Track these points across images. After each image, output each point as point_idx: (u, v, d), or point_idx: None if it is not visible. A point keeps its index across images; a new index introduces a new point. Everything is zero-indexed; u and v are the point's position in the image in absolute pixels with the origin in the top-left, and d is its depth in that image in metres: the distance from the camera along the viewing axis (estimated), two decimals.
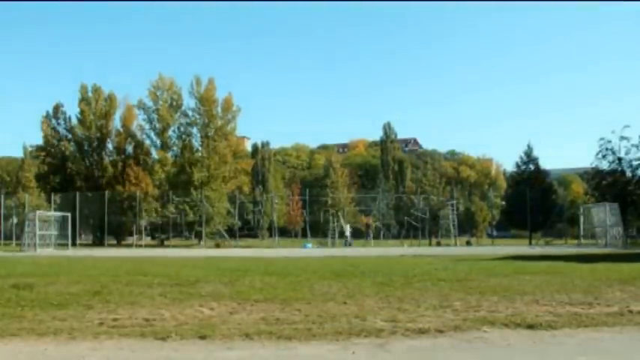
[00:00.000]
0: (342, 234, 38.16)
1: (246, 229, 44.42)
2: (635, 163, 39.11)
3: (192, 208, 42.34)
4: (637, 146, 38.51)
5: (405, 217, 43.73)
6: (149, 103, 47.16)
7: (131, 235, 43.80)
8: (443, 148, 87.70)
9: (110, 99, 49.69)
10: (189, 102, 47.85)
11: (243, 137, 75.95)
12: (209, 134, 46.89)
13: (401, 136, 77.35)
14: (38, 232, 33.22)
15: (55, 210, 39.90)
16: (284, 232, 47.77)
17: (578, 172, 72.12)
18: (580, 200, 47.82)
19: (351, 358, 4.53)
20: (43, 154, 49.74)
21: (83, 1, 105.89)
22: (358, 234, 46.40)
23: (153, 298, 7.84)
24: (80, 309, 6.81)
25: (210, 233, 42.53)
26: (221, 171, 45.84)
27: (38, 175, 49.82)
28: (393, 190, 54.37)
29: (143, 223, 40.59)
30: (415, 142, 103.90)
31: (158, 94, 47.18)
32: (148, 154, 48.81)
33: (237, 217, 41.67)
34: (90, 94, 49.02)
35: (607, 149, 39.55)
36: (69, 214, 39.03)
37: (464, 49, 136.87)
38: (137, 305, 7.10)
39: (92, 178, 47.27)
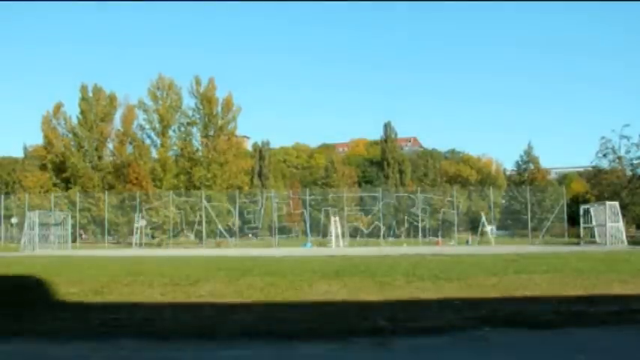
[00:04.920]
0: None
1: (246, 229, 44.37)
2: (635, 161, 39.27)
3: (193, 208, 42.35)
4: (637, 145, 38.70)
5: (406, 217, 43.70)
6: (149, 103, 47.21)
7: (131, 234, 43.78)
8: (443, 147, 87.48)
9: (111, 99, 49.72)
10: (189, 102, 47.93)
11: (244, 137, 75.95)
12: (209, 134, 46.93)
13: (401, 135, 77.21)
14: (38, 232, 33.25)
15: (55, 210, 39.92)
16: (284, 232, 47.74)
17: (579, 170, 72.22)
18: (580, 199, 47.86)
19: (352, 357, 4.52)
20: (43, 154, 49.75)
21: (84, 0, 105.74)
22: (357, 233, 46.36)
23: (153, 297, 7.84)
24: (80, 309, 6.80)
25: (210, 233, 42.51)
26: (221, 171, 45.89)
27: (38, 175, 49.81)
28: (394, 189, 54.30)
29: (143, 222, 40.54)
30: (415, 141, 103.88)
31: (158, 94, 47.21)
32: (148, 154, 48.81)
33: (237, 217, 41.64)
34: (90, 94, 49.05)
35: (607, 148, 39.74)
36: (69, 214, 39.08)
37: (464, 47, 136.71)
38: (137, 305, 7.10)
39: (92, 178, 47.27)
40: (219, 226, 40.95)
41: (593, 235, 34.49)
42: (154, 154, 48.55)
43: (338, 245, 33.18)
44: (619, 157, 39.46)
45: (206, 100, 46.65)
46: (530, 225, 40.92)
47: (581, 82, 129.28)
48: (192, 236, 43.47)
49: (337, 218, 36.34)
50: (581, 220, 35.39)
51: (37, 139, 55.63)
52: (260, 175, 66.97)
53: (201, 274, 11.65)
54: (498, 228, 49.34)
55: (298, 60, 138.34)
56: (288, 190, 54.87)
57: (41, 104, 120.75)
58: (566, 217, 40.68)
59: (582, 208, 35.89)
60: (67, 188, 45.51)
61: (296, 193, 50.73)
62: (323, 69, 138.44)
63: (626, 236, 32.73)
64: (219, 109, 47.30)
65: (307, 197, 44.00)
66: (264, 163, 68.45)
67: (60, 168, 47.83)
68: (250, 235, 46.15)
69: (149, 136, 48.35)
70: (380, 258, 17.83)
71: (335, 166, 66.45)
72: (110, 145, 50.28)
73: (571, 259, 16.31)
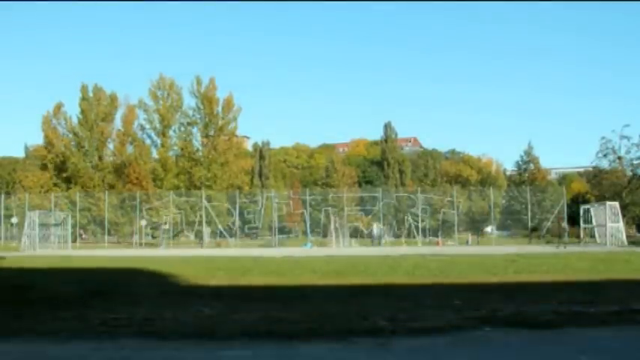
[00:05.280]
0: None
1: (246, 229, 44.37)
2: (635, 162, 39.30)
3: (193, 208, 42.37)
4: (637, 145, 38.72)
5: (406, 217, 43.68)
6: (150, 102, 47.25)
7: (132, 234, 43.80)
8: (443, 148, 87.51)
9: (111, 99, 49.72)
10: (189, 101, 47.97)
11: (244, 137, 75.94)
12: (210, 134, 46.97)
13: (401, 135, 77.28)
14: (38, 232, 33.25)
15: (56, 210, 39.93)
16: (284, 232, 47.80)
17: (579, 170, 72.24)
18: (580, 199, 47.85)
19: (352, 357, 4.52)
20: (43, 153, 49.76)
21: (84, 0, 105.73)
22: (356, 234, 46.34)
23: (153, 297, 7.84)
24: (80, 309, 6.80)
25: (210, 233, 42.52)
26: (222, 171, 45.92)
27: (39, 175, 49.81)
28: (394, 189, 54.29)
29: (144, 222, 40.57)
30: (416, 141, 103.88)
31: (159, 93, 47.24)
32: (148, 154, 48.82)
33: (237, 217, 41.64)
34: (91, 94, 49.04)
35: (607, 148, 39.76)
36: (69, 214, 39.10)
37: (464, 47, 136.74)
38: (137, 305, 7.09)
39: (93, 178, 47.29)
40: (220, 226, 40.97)
41: (593, 236, 34.52)
42: (155, 154, 48.60)
43: (338, 245, 33.27)
44: (619, 158, 39.50)
45: (207, 100, 46.70)
46: (530, 225, 40.92)
47: (581, 82, 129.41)
48: (192, 236, 43.50)
49: (337, 218, 36.38)
50: (581, 220, 35.41)
51: (37, 139, 55.62)
52: (260, 175, 67.00)
53: (201, 273, 11.66)
54: (498, 228, 49.35)
55: (298, 60, 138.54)
56: (289, 190, 54.87)
57: (42, 104, 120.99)
58: (566, 217, 40.68)
59: (582, 208, 35.92)
60: (68, 188, 45.51)
61: (296, 193, 50.72)
62: (323, 69, 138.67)
63: (626, 236, 32.75)
64: (220, 109, 47.34)
65: (307, 197, 44.01)
66: (264, 163, 68.47)
67: (60, 168, 47.84)
68: (252, 236, 46.14)
69: (149, 136, 48.43)
70: (380, 258, 17.84)
71: (335, 166, 66.47)
72: (111, 145, 50.30)
73: (571, 259, 16.33)
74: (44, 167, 49.23)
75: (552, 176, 71.76)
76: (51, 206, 40.75)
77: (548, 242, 37.59)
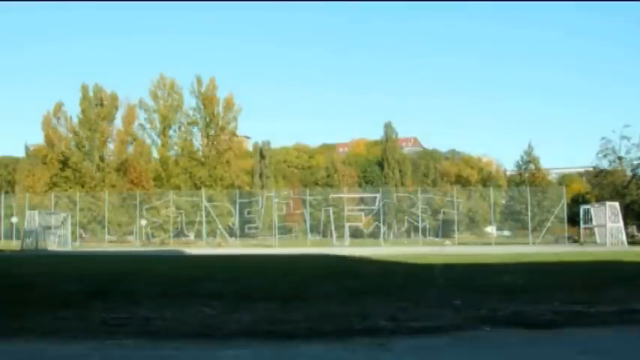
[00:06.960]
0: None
1: (246, 229, 44.40)
2: (635, 162, 39.33)
3: (193, 208, 42.40)
4: (637, 145, 38.75)
5: (406, 217, 43.71)
6: (150, 102, 47.34)
7: (132, 234, 43.81)
8: (444, 148, 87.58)
9: (112, 99, 49.78)
10: (190, 101, 48.09)
11: (245, 137, 75.98)
12: (210, 134, 47.07)
13: (402, 135, 77.32)
14: (39, 232, 33.29)
15: (56, 209, 39.95)
16: (284, 232, 47.83)
17: (579, 171, 72.23)
18: (580, 199, 47.84)
19: (352, 358, 4.52)
20: (44, 153, 49.82)
21: (84, 0, 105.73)
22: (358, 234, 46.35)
23: (153, 297, 7.83)
24: (80, 308, 6.79)
25: (210, 232, 42.55)
26: (222, 170, 46.02)
27: (39, 175, 49.83)
28: (394, 189, 54.25)
29: (144, 222, 40.59)
30: (416, 141, 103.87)
31: (159, 93, 47.35)
32: (149, 153, 48.90)
33: (237, 217, 41.65)
34: (91, 94, 49.10)
35: (608, 148, 39.80)
36: (69, 214, 39.11)
37: (464, 48, 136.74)
38: (138, 304, 7.09)
39: (93, 178, 47.32)
40: (220, 226, 40.99)
41: (593, 235, 34.54)
42: (155, 153, 48.75)
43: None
44: (619, 158, 39.54)
45: (207, 99, 46.86)
46: (530, 225, 40.94)
47: (581, 82, 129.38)
48: (192, 236, 43.53)
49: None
50: (581, 220, 35.43)
51: (38, 139, 55.68)
52: (260, 175, 67.06)
53: (201, 273, 11.66)
54: (498, 228, 49.35)
55: (299, 60, 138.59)
56: (289, 190, 54.89)
57: (42, 104, 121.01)
58: (566, 217, 40.69)
59: (582, 208, 35.92)
60: (68, 188, 45.59)
61: (296, 193, 50.72)
62: (323, 69, 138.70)
63: (627, 237, 32.78)
64: (220, 109, 47.53)
65: (307, 197, 44.04)
66: (264, 163, 68.54)
67: (61, 167, 47.91)
68: (253, 237, 46.25)
69: (150, 136, 48.57)
70: (380, 258, 17.83)
71: (335, 166, 66.60)
72: (111, 145, 50.42)
73: (571, 258, 16.31)
74: (45, 167, 49.28)
75: (552, 176, 71.72)
76: (51, 206, 40.78)
77: (547, 243, 37.55)
